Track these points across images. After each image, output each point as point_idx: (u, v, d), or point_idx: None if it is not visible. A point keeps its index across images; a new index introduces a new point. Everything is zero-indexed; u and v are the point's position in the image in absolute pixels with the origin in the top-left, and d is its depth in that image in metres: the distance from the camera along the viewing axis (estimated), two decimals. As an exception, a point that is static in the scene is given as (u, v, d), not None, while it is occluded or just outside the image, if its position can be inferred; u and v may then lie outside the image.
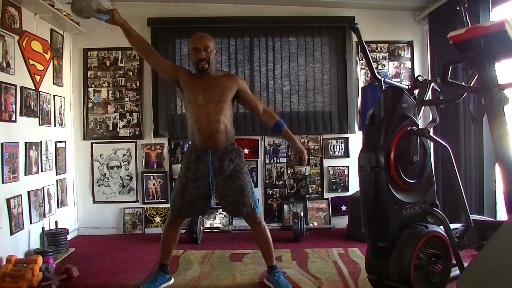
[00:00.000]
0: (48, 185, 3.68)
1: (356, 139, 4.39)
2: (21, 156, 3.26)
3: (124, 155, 4.33)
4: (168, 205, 4.22)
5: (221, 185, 2.63)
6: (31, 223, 3.36)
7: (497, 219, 3.19)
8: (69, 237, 3.77)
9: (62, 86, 4.06)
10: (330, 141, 4.44)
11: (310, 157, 4.42)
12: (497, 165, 2.16)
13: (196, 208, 2.68)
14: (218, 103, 2.59)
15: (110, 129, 4.33)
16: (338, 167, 4.45)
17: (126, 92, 4.33)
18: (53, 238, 3.45)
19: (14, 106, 3.17)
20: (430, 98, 2.63)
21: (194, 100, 2.60)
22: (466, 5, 2.35)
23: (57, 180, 3.88)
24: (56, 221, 3.61)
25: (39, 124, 3.57)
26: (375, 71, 2.51)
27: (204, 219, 4.22)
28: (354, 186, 4.32)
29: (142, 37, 2.64)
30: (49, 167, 3.73)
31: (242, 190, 2.62)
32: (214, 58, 2.65)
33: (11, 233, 3.09)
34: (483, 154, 3.35)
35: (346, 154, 4.44)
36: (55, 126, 3.88)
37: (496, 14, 3.31)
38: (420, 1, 4.17)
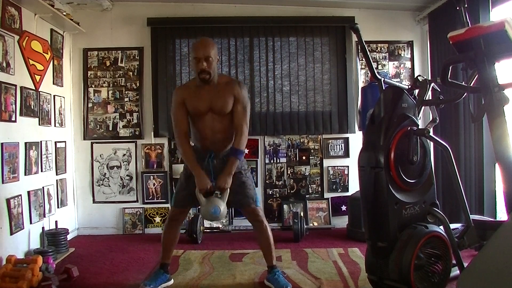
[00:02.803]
0: (48, 185, 3.68)
1: (356, 139, 4.39)
2: (21, 156, 3.26)
3: (124, 155, 4.33)
4: (168, 205, 4.26)
5: None
6: (31, 223, 3.36)
7: (497, 219, 3.18)
8: (69, 237, 3.77)
9: (62, 86, 4.07)
10: (330, 141, 4.44)
11: (310, 157, 4.42)
12: (497, 165, 2.16)
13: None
14: (222, 115, 2.61)
15: (110, 129, 4.33)
16: (338, 167, 4.45)
17: (126, 92, 4.34)
18: (53, 238, 3.45)
19: (14, 106, 3.17)
20: (430, 98, 2.63)
21: (198, 113, 2.61)
22: (466, 5, 2.35)
23: (57, 180, 3.88)
24: (56, 221, 3.61)
25: (39, 124, 3.57)
26: (375, 71, 2.51)
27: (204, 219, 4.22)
28: (354, 186, 4.32)
29: (189, 151, 2.61)
30: (49, 167, 3.73)
31: (243, 183, 2.66)
32: (216, 64, 2.61)
33: (11, 233, 3.09)
34: (483, 154, 3.35)
35: (346, 154, 4.44)
36: (55, 126, 3.88)
37: (496, 14, 3.31)
38: (420, 1, 4.17)
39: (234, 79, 2.69)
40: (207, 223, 4.24)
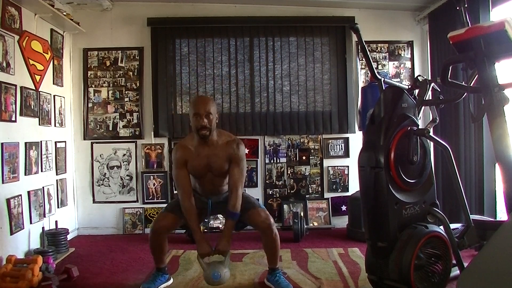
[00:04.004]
0: (48, 185, 3.68)
1: (356, 139, 4.39)
2: (21, 156, 3.26)
3: (124, 155, 4.33)
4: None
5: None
6: (31, 223, 3.36)
7: (497, 219, 3.18)
8: (69, 237, 3.77)
9: (62, 86, 4.07)
10: (330, 141, 4.44)
11: (310, 157, 4.43)
12: (497, 165, 2.16)
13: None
14: (219, 176, 2.63)
15: (110, 129, 4.33)
16: (338, 167, 4.45)
17: (126, 92, 4.34)
18: (53, 238, 3.45)
19: (14, 106, 3.17)
20: (430, 98, 2.63)
21: (198, 174, 2.62)
22: (466, 5, 2.35)
23: (57, 180, 3.88)
24: (56, 221, 3.61)
25: (39, 124, 3.57)
26: (375, 71, 2.51)
27: (204, 220, 4.21)
28: (354, 186, 4.33)
29: (192, 213, 2.57)
30: (49, 167, 3.73)
31: (246, 197, 2.67)
32: (216, 122, 2.56)
33: (11, 233, 3.09)
34: (483, 154, 3.35)
35: (346, 154, 4.44)
36: (55, 126, 3.88)
37: (496, 14, 3.31)
38: (420, 1, 4.17)
39: (233, 139, 2.61)
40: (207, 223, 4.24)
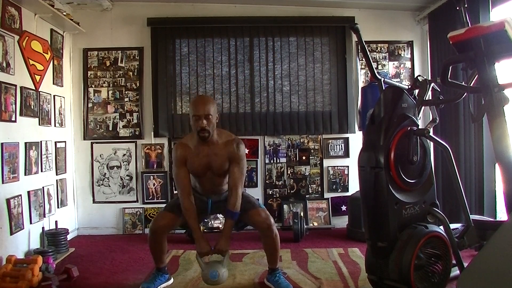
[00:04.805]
0: (48, 185, 3.68)
1: (356, 139, 4.39)
2: (21, 156, 3.26)
3: (124, 155, 4.33)
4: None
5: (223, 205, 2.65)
6: (31, 223, 3.36)
7: (497, 219, 3.19)
8: (69, 237, 3.78)
9: (62, 86, 4.07)
10: (330, 141, 4.44)
11: (310, 157, 4.43)
12: (497, 165, 2.16)
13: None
14: (220, 175, 2.62)
15: (110, 129, 4.33)
16: (338, 167, 4.45)
17: (126, 92, 4.34)
18: (53, 238, 3.45)
19: (14, 106, 3.17)
20: (430, 98, 2.63)
21: (198, 174, 2.61)
22: (466, 5, 2.35)
23: (57, 180, 3.88)
24: (56, 221, 3.62)
25: (39, 124, 3.57)
26: (375, 71, 2.51)
27: (204, 219, 4.21)
28: (354, 186, 4.33)
29: (191, 211, 2.55)
30: (49, 167, 3.73)
31: (246, 197, 2.66)
32: (216, 122, 2.54)
33: (11, 233, 3.09)
34: (483, 154, 3.35)
35: (346, 154, 4.44)
36: (55, 126, 3.88)
37: (496, 14, 3.31)
38: (420, 1, 4.17)
39: (233, 139, 2.60)
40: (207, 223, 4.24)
